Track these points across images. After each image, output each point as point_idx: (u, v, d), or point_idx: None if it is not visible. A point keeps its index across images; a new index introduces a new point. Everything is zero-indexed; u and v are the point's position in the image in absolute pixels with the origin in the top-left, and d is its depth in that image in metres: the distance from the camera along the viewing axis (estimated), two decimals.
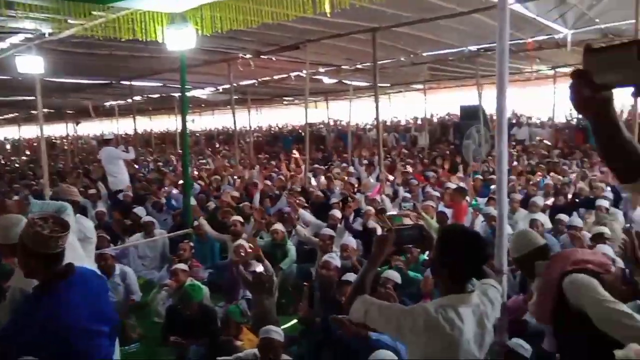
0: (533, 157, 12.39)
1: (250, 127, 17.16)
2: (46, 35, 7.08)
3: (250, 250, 5.61)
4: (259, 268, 5.00)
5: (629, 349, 1.54)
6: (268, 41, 9.25)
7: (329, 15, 6.24)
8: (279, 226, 6.51)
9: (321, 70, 12.80)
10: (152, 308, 5.54)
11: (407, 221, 5.88)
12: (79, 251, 3.27)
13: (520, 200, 7.42)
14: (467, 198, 7.57)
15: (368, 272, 2.28)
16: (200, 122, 30.20)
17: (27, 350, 2.31)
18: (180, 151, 16.74)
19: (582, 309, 2.47)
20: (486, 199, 7.58)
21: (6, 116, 23.81)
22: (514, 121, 17.11)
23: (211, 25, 6.51)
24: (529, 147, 14.76)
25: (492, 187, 7.64)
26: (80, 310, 2.44)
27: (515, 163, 10.91)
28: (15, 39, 7.47)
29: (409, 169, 11.11)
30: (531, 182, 8.76)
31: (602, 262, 2.76)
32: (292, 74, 12.99)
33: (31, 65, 7.37)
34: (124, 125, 23.93)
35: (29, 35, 7.27)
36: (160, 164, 15.76)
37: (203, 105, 22.97)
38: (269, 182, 9.79)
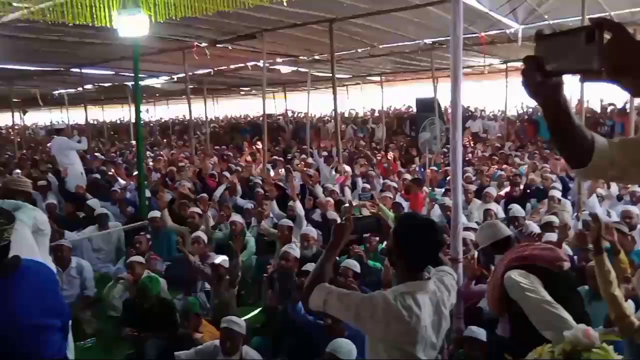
0: (487, 149, 12.73)
1: (206, 117, 16.83)
2: None
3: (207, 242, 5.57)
4: (218, 259, 4.95)
5: (577, 330, 1.62)
6: (224, 29, 9.12)
7: (285, 4, 6.21)
8: (237, 218, 6.46)
9: (279, 60, 12.73)
10: (107, 302, 5.40)
11: (365, 212, 5.95)
12: (34, 245, 3.15)
13: (475, 190, 7.63)
14: (425, 189, 7.72)
15: (327, 261, 2.28)
16: (155, 112, 29.47)
17: None
18: (133, 142, 16.33)
19: None
20: (443, 189, 7.76)
21: None
22: (468, 114, 17.51)
23: (165, 11, 6.35)
24: (483, 139, 15.15)
25: (449, 178, 7.82)
26: (29, 304, 2.37)
27: (470, 155, 11.20)
28: None
29: (382, 159, 11.18)
30: (485, 173, 9.01)
31: (555, 258, 2.81)
32: (249, 64, 12.85)
33: None
34: (74, 115, 23.10)
35: None
36: (114, 155, 15.31)
37: (157, 95, 22.44)
38: (227, 174, 9.67)
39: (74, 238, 6.42)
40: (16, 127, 18.81)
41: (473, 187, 7.71)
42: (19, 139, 18.48)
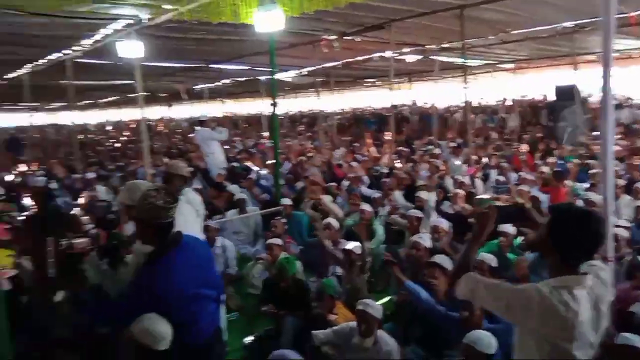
0: (635, 141, 11.47)
1: (333, 109, 17.15)
2: (144, 21, 7.42)
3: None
4: (350, 245, 5.07)
5: None
6: (353, 21, 9.20)
7: None
8: (366, 207, 6.55)
9: (405, 50, 12.56)
10: (247, 280, 5.80)
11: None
12: (193, 223, 3.49)
13: (624, 185, 6.96)
14: (567, 182, 7.17)
15: (471, 250, 2.23)
16: (284, 105, 30.56)
17: (144, 311, 2.51)
18: (263, 133, 17.18)
19: None
20: (584, 184, 7.18)
21: (105, 100, 25.53)
22: (614, 102, 15.87)
23: (299, 6, 6.54)
24: (633, 130, 13.63)
25: (591, 171, 7.21)
26: (190, 276, 2.62)
27: (618, 147, 10.16)
28: (117, 25, 7.91)
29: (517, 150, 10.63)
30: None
31: None
32: (376, 55, 12.84)
33: (131, 50, 7.66)
34: (212, 108, 24.74)
35: (130, 22, 7.66)
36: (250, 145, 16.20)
37: (287, 88, 23.30)
38: (354, 164, 9.85)
39: (221, 220, 6.97)
40: (163, 119, 20.74)
41: (622, 182, 7.03)
42: (166, 130, 20.37)
